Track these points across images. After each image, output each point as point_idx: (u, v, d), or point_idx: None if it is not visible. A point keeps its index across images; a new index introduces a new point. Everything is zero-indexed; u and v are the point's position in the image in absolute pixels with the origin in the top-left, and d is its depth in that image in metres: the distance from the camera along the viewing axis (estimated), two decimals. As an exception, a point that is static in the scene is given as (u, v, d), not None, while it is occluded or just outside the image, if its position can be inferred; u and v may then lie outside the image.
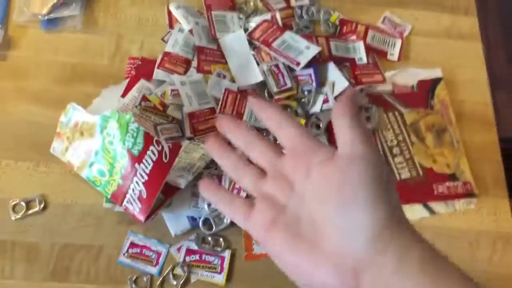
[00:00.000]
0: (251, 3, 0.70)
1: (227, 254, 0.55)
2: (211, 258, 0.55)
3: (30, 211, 0.55)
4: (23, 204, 0.55)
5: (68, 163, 0.55)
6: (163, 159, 0.50)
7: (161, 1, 0.68)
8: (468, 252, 0.59)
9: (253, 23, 0.67)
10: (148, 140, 0.50)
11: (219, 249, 0.55)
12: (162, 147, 0.50)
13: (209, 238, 0.55)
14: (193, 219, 0.56)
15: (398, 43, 0.70)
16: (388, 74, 0.66)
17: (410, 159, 0.61)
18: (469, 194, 0.60)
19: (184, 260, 0.54)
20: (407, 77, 0.67)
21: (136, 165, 0.51)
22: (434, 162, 0.61)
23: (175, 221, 0.56)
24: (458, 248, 0.59)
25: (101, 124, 0.52)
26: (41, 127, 0.58)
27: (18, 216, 0.54)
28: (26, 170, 0.57)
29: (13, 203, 0.55)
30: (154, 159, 0.50)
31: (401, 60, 0.69)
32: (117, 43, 0.65)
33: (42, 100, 0.60)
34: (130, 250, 0.54)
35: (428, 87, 0.66)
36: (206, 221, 0.55)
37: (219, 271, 0.54)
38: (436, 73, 0.67)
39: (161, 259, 0.54)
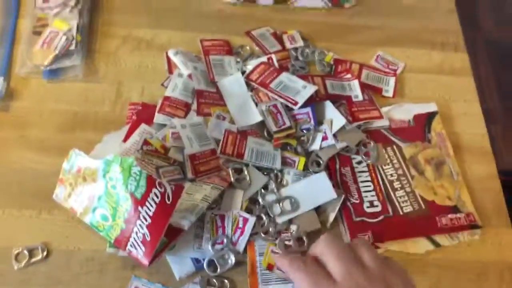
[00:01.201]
0: (247, 47, 0.72)
1: (233, 296, 0.54)
2: (216, 301, 0.54)
3: (33, 260, 0.54)
4: (26, 252, 0.55)
5: (71, 209, 0.55)
6: (166, 201, 0.50)
7: (159, 48, 0.70)
8: (476, 284, 0.58)
9: (250, 65, 0.69)
10: (150, 182, 0.51)
11: (224, 291, 0.54)
12: (165, 189, 0.50)
13: (214, 280, 0.55)
14: (197, 261, 0.55)
15: (392, 80, 0.71)
16: (384, 109, 0.67)
17: (411, 193, 0.62)
18: (472, 226, 0.60)
19: (190, 303, 0.53)
20: (403, 112, 0.68)
21: (139, 208, 0.51)
22: (435, 194, 0.62)
23: (179, 264, 0.55)
24: (465, 281, 0.58)
25: (104, 168, 0.52)
26: (44, 175, 0.58)
27: (21, 266, 0.54)
28: (29, 218, 0.57)
29: (16, 251, 0.55)
30: (157, 201, 0.50)
31: (396, 96, 0.70)
32: (117, 90, 0.66)
33: (44, 148, 0.61)
34: (134, 296, 0.53)
35: (424, 121, 0.67)
36: (210, 263, 0.55)
37: (225, 313, 0.53)
38: (431, 107, 0.68)
39: (166, 304, 0.53)
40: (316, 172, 0.61)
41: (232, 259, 0.55)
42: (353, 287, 0.40)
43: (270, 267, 0.55)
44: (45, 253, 0.55)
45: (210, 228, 0.56)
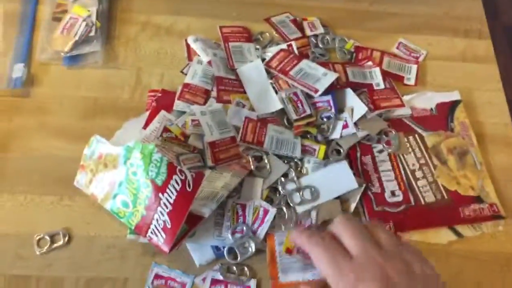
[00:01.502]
0: (267, 34, 0.72)
1: (252, 283, 0.54)
2: (236, 288, 0.54)
3: (55, 245, 0.55)
4: (48, 238, 0.55)
5: (92, 196, 0.55)
6: (187, 188, 0.50)
7: (179, 35, 0.70)
8: (499, 275, 0.57)
9: (269, 52, 0.69)
10: (171, 169, 0.50)
11: (244, 278, 0.54)
12: (186, 176, 0.50)
13: (234, 268, 0.55)
14: (217, 249, 0.55)
15: (414, 68, 0.70)
16: (406, 98, 0.66)
17: (434, 182, 0.61)
18: (496, 216, 0.59)
19: (210, 290, 0.54)
20: (425, 100, 0.67)
21: (160, 195, 0.51)
22: (458, 184, 0.61)
23: (199, 251, 0.55)
24: (488, 272, 0.57)
25: (125, 155, 0.52)
26: (65, 161, 0.59)
27: (42, 251, 0.54)
28: (50, 204, 0.57)
29: (38, 237, 0.55)
30: (178, 188, 0.50)
31: (418, 84, 0.69)
32: (137, 77, 0.66)
33: (65, 135, 0.61)
34: (155, 282, 0.54)
35: (447, 110, 0.66)
36: (231, 251, 0.55)
37: (245, 301, 0.53)
38: (454, 95, 0.67)
39: (186, 290, 0.54)
40: (336, 161, 0.60)
41: (252, 247, 0.55)
42: (370, 263, 0.40)
43: (288, 251, 0.55)
44: (66, 239, 0.55)
45: (231, 216, 0.56)
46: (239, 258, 0.54)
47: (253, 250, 0.55)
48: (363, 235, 0.43)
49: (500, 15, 1.49)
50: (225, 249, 0.55)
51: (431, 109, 0.66)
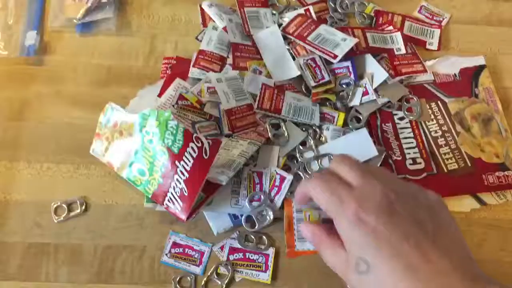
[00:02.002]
0: (284, -1, 0.69)
1: (271, 251, 0.53)
2: (255, 257, 0.53)
3: (72, 213, 0.55)
4: (65, 206, 0.55)
5: (108, 164, 0.54)
6: (204, 155, 0.49)
7: (193, 1, 0.68)
8: (523, 244, 0.56)
9: (286, 18, 0.66)
10: (187, 136, 0.49)
11: (262, 247, 0.54)
12: (202, 144, 0.49)
13: (252, 236, 0.54)
14: (234, 217, 0.55)
15: (437, 32, 0.67)
16: (428, 63, 0.64)
17: (457, 149, 0.59)
18: (521, 184, 0.58)
19: (228, 259, 0.53)
20: (449, 66, 0.64)
21: (177, 162, 0.50)
22: (482, 152, 0.59)
23: (216, 220, 0.55)
24: (512, 241, 0.56)
25: (140, 122, 0.51)
26: (80, 129, 0.58)
27: (60, 219, 0.54)
28: (66, 172, 0.57)
29: (55, 205, 0.55)
30: (195, 155, 0.49)
31: (440, 49, 0.67)
32: (151, 44, 0.65)
33: (79, 103, 0.60)
34: (172, 250, 0.53)
35: (471, 75, 0.64)
36: (248, 219, 0.54)
37: (264, 269, 0.53)
38: (479, 60, 0.65)
39: (204, 259, 0.53)
40: (356, 129, 0.59)
41: (270, 215, 0.54)
42: (370, 190, 0.41)
43: None
44: (83, 207, 0.55)
45: (247, 185, 0.55)
46: (257, 227, 0.54)
47: (271, 218, 0.54)
48: (360, 167, 0.43)
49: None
50: (243, 217, 0.54)
51: (455, 74, 0.64)
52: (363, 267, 0.39)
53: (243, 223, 0.54)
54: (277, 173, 0.56)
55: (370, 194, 0.40)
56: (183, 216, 0.50)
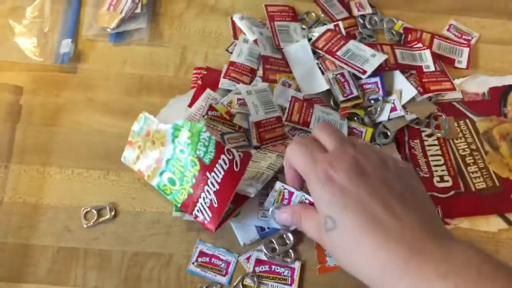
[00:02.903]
0: (313, 14, 0.70)
1: (297, 265, 0.54)
2: (281, 270, 0.54)
3: (101, 219, 0.56)
4: (95, 212, 0.56)
5: (139, 172, 0.55)
6: (234, 167, 0.50)
7: (224, 14, 0.69)
8: (551, 267, 0.55)
9: (316, 32, 0.67)
10: (219, 148, 0.50)
11: (288, 260, 0.54)
12: (233, 156, 0.50)
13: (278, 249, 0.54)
14: (261, 229, 0.55)
15: (466, 51, 0.68)
16: (457, 81, 0.64)
17: (485, 168, 0.59)
18: (549, 206, 0.57)
19: (254, 271, 0.53)
20: (477, 84, 0.64)
21: (207, 173, 0.51)
22: (511, 171, 0.59)
23: (243, 231, 0.55)
24: (540, 263, 0.55)
25: (173, 133, 0.52)
26: (111, 137, 0.59)
27: (90, 224, 0.55)
28: (97, 178, 0.58)
29: (85, 211, 0.56)
30: (226, 168, 0.50)
31: (469, 67, 0.67)
32: (182, 55, 0.66)
33: (111, 111, 0.62)
34: (199, 259, 0.54)
35: (500, 94, 0.64)
36: (269, 244, 0.54)
37: (289, 282, 0.53)
38: (508, 80, 0.65)
39: (230, 269, 0.54)
40: (384, 144, 0.59)
41: (290, 238, 0.54)
42: (343, 153, 0.43)
43: None
44: (113, 213, 0.56)
45: (276, 198, 0.55)
46: (278, 250, 0.54)
47: (292, 241, 0.54)
48: (339, 135, 0.46)
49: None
50: (263, 244, 0.54)
51: (483, 93, 0.64)
52: (330, 224, 0.39)
53: (263, 250, 0.54)
54: (305, 198, 0.53)
55: (343, 156, 0.42)
56: (212, 227, 0.51)
